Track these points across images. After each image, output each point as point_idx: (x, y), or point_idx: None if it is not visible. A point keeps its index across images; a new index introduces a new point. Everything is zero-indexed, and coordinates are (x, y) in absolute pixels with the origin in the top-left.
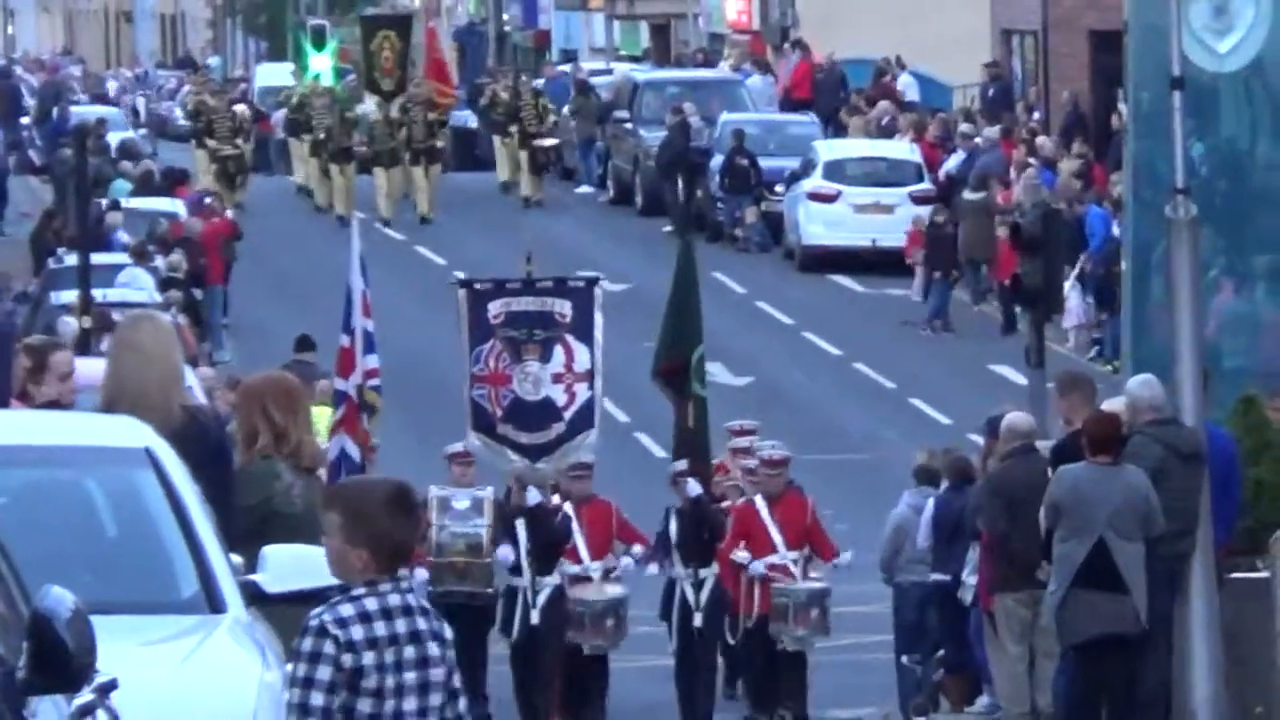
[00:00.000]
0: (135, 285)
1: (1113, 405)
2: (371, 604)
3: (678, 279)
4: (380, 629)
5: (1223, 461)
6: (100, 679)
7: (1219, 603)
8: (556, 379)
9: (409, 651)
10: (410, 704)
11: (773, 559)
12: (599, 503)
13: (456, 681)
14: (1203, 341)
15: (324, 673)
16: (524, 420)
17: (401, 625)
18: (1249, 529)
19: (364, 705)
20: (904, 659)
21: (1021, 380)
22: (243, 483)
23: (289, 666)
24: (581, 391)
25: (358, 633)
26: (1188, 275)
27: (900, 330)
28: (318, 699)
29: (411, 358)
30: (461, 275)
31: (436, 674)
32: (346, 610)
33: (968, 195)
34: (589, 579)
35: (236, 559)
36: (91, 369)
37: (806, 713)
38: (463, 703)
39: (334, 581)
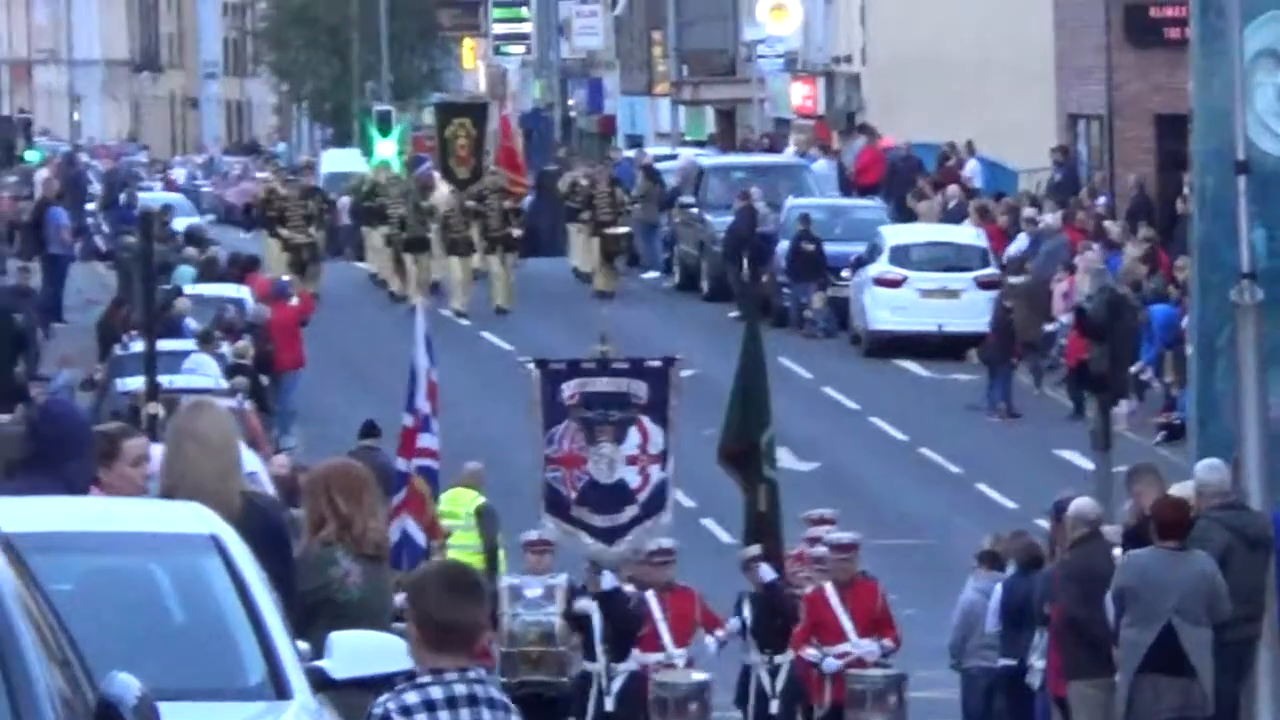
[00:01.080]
0: (201, 371)
1: (1181, 490)
2: (437, 692)
3: (744, 360)
4: (444, 718)
5: None
6: None
7: None
8: (631, 461)
9: None
10: None
11: (844, 646)
12: (682, 591)
13: None
14: (1268, 426)
15: None
16: (598, 503)
17: (465, 715)
18: None
19: None
20: None
21: (1088, 465)
22: (300, 569)
23: None
24: (655, 473)
25: None
26: (1253, 360)
27: (966, 415)
28: None
29: (478, 444)
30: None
31: None
32: (411, 698)
33: (1011, 280)
34: (672, 665)
35: (303, 645)
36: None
37: None
38: None
39: (401, 667)
